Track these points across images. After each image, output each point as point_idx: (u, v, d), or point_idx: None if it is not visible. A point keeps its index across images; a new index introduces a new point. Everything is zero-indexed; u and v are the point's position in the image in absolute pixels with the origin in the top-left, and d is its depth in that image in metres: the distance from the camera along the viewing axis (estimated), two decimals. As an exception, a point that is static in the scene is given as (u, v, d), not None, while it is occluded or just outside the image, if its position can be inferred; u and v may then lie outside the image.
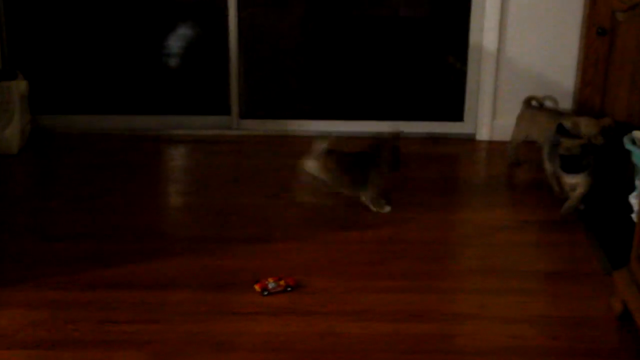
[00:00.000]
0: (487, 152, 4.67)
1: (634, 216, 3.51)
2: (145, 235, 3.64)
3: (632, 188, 3.67)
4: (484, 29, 4.66)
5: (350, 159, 3.82)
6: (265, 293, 3.12)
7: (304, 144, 4.72)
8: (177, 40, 5.13)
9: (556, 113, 4.28)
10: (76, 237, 3.61)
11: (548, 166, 3.96)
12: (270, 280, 3.16)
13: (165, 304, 3.08)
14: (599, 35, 4.38)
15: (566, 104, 4.61)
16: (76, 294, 3.14)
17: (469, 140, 4.82)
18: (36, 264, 3.37)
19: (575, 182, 3.76)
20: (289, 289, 3.15)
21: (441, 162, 4.52)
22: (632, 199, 3.61)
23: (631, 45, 4.24)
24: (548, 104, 4.37)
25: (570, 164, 3.70)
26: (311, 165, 3.80)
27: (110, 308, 3.04)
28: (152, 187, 4.23)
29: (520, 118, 4.37)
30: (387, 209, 3.84)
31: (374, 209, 3.84)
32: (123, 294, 3.14)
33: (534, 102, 4.38)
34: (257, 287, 3.14)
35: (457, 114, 4.89)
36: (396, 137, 3.88)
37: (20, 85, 4.52)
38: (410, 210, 3.88)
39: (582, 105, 4.48)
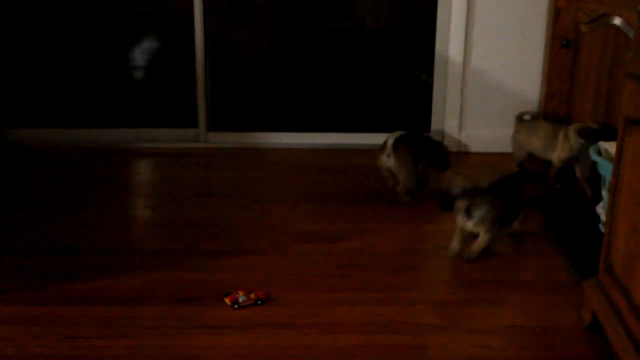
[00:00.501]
0: (454, 162, 4.69)
1: (601, 226, 3.55)
2: (114, 249, 3.61)
3: (599, 199, 3.71)
4: (450, 41, 4.69)
5: (417, 146, 4.11)
6: (236, 306, 3.11)
7: (272, 156, 4.76)
8: (144, 53, 5.11)
9: (554, 124, 4.32)
10: (44, 252, 3.57)
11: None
12: (241, 293, 3.15)
13: (135, 318, 3.05)
14: (563, 47, 4.43)
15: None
16: (43, 309, 3.10)
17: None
18: (2, 279, 3.33)
19: (472, 228, 3.48)
20: (259, 302, 3.14)
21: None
22: (599, 209, 3.64)
23: (595, 57, 4.29)
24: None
25: (446, 202, 3.40)
26: (387, 160, 4.05)
27: (79, 323, 3.01)
28: (121, 200, 4.20)
29: (517, 134, 4.39)
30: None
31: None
32: (91, 309, 3.10)
33: (526, 116, 4.42)
34: (227, 300, 3.13)
35: (424, 125, 4.91)
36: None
37: (-16, 98, 4.49)
38: (379, 221, 3.89)
39: (549, 117, 4.52)
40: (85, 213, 3.98)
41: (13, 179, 4.46)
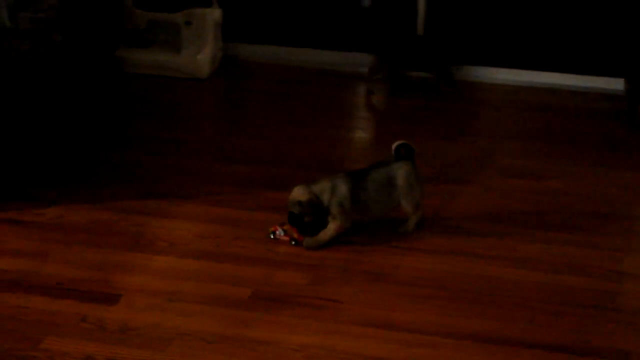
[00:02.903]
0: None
1: None
2: (317, 165, 3.73)
3: None
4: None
5: None
6: (272, 237, 3.12)
7: (482, 90, 4.69)
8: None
9: None
10: (252, 161, 3.77)
11: None
12: (280, 228, 3.14)
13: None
14: None
15: None
16: (245, 213, 3.29)
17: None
18: (212, 182, 3.56)
19: None
20: (292, 242, 3.10)
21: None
22: None
23: None
24: None
25: (295, 220, 3.10)
26: None
27: (277, 230, 3.17)
28: (330, 120, 4.31)
29: None
30: None
31: None
32: (288, 218, 3.25)
33: None
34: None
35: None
36: None
37: (214, 13, 4.70)
38: (585, 164, 3.79)
39: None
40: (295, 129, 4.13)
41: (233, 92, 4.69)
